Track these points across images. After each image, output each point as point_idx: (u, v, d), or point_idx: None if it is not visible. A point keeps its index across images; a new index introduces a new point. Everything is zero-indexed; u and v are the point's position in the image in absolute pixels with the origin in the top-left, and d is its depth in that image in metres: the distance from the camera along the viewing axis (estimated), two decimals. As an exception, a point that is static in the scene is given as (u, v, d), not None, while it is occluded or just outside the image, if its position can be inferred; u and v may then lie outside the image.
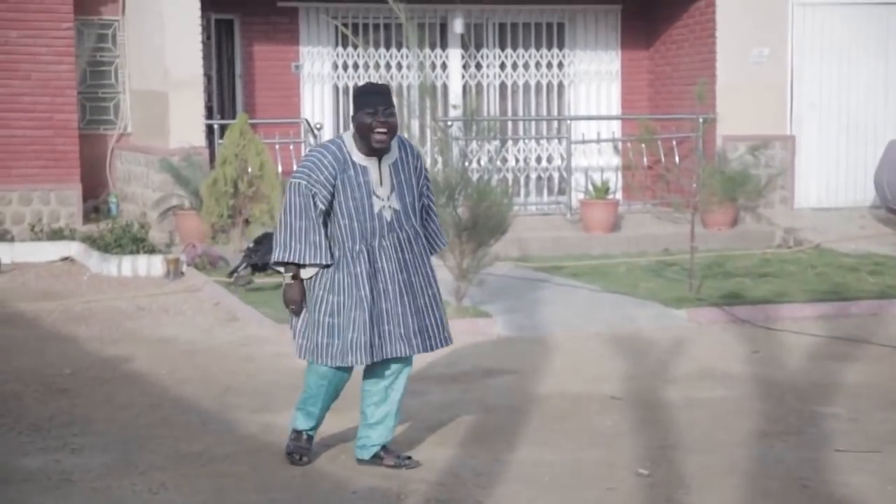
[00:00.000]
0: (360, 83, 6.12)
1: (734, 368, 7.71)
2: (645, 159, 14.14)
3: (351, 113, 5.50)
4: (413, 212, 5.47)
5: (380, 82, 5.76)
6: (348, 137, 5.38)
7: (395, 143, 5.43)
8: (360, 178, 5.30)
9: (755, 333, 8.78)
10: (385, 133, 5.29)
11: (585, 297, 10.05)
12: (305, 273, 5.41)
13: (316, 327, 5.43)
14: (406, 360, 5.62)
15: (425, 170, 5.61)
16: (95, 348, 8.36)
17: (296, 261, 5.33)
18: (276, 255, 5.36)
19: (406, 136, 10.66)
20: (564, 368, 7.78)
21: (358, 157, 5.34)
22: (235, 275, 10.43)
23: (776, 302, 9.55)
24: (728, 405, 6.79)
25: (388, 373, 5.58)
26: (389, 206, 5.37)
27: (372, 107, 5.28)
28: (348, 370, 5.57)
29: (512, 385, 7.36)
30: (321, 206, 5.28)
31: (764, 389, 7.13)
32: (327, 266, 5.35)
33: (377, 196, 5.34)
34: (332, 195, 5.30)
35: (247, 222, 11.77)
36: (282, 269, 5.44)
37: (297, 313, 5.45)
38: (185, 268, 11.56)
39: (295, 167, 5.50)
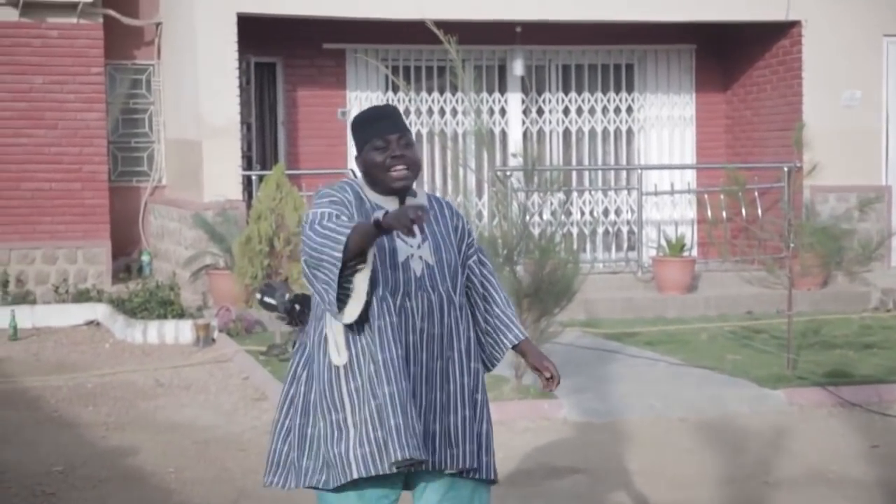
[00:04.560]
0: (363, 110, 3.97)
1: (852, 469, 6.39)
2: (724, 212, 12.87)
3: (354, 154, 3.85)
4: (452, 274, 3.80)
5: (384, 104, 3.93)
6: (360, 179, 3.87)
7: (422, 196, 3.91)
8: None
9: (870, 421, 7.45)
10: (405, 169, 3.74)
11: (665, 373, 8.79)
12: (336, 357, 3.69)
13: (305, 436, 3.73)
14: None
15: (472, 237, 3.95)
16: (98, 437, 7.22)
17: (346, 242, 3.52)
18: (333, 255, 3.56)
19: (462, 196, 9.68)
20: (645, 467, 6.51)
21: (373, 196, 3.79)
22: (270, 344, 9.40)
23: (889, 381, 8.20)
24: (853, 523, 5.50)
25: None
26: (420, 258, 3.76)
27: (380, 137, 3.74)
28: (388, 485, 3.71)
29: (582, 489, 6.11)
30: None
31: (894, 501, 5.82)
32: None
33: (402, 241, 3.73)
34: None
35: (285, 281, 10.64)
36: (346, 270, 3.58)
37: (420, 221, 3.41)
38: (216, 334, 10.47)
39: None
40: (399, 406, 3.61)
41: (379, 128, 3.75)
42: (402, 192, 3.78)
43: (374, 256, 3.63)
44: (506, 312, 3.96)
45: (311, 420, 3.73)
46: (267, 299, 4.08)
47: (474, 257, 3.94)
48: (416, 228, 3.51)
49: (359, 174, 3.83)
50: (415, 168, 3.76)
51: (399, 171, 3.72)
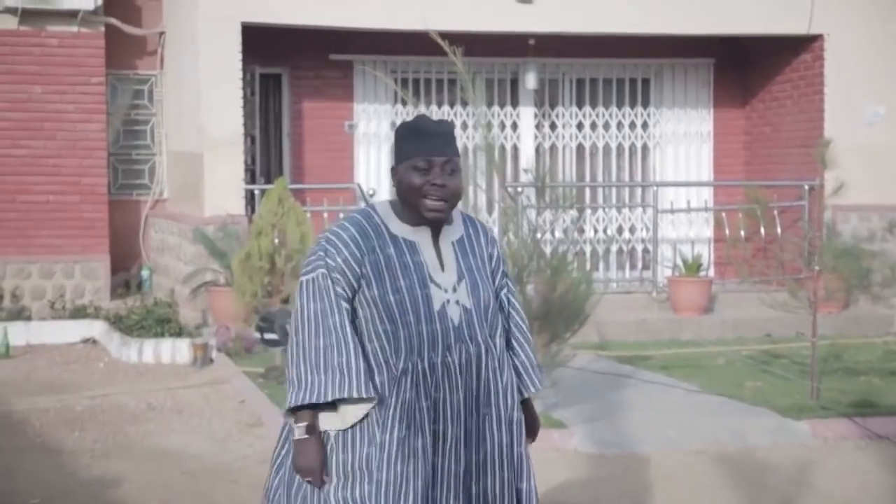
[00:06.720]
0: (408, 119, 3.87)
1: (882, 510, 5.98)
2: (742, 231, 12.45)
3: (391, 164, 3.45)
4: (491, 318, 3.40)
5: (437, 119, 3.57)
6: (383, 205, 3.44)
7: (457, 216, 3.47)
8: (408, 258, 3.31)
9: (899, 456, 7.04)
10: (443, 201, 3.31)
11: (681, 400, 8.36)
12: (328, 422, 3.32)
13: (293, 477, 3.36)
14: None
15: (504, 263, 3.54)
16: (81, 465, 6.83)
17: (313, 400, 3.26)
18: (289, 399, 3.32)
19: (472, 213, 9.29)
20: (661, 504, 6.11)
21: (399, 228, 3.35)
22: (267, 367, 8.99)
23: (919, 412, 7.78)
24: (887, 573, 5.08)
25: None
26: (457, 303, 3.32)
27: (424, 156, 3.30)
28: None
29: (594, 529, 5.71)
30: (345, 304, 3.29)
31: (930, 547, 5.41)
32: (366, 401, 3.28)
33: (436, 285, 3.31)
34: (358, 286, 3.28)
35: (285, 302, 10.24)
36: (291, 420, 3.36)
37: (317, 484, 3.32)
38: (214, 353, 10.10)
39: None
40: (410, 493, 3.26)
41: (426, 146, 3.34)
42: (436, 223, 3.38)
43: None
44: (529, 357, 3.57)
45: None
46: (267, 336, 3.76)
47: (505, 289, 3.55)
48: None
49: (385, 201, 3.46)
50: (454, 199, 3.36)
51: (435, 203, 3.31)
